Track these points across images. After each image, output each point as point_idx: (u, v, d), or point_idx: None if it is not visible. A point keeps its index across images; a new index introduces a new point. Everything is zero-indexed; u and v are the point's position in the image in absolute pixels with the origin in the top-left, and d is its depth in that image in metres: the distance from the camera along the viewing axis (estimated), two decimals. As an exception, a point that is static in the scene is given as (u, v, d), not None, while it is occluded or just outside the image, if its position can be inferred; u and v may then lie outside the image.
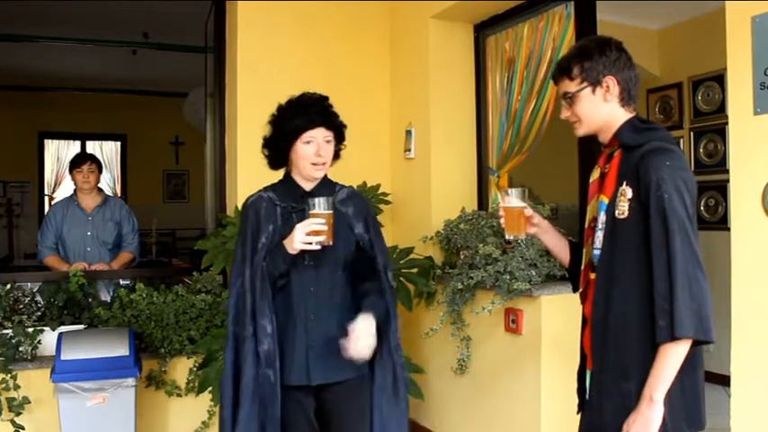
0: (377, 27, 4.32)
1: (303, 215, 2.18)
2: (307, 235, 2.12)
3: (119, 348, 3.14)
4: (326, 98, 2.31)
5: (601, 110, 1.80)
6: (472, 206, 3.96)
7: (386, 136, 4.34)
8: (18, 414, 3.21)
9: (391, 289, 2.35)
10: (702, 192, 5.06)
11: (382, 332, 2.27)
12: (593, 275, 1.83)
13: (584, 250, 1.89)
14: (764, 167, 2.24)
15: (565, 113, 1.86)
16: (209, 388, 3.25)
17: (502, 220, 1.98)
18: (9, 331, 3.29)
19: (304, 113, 2.23)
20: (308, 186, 2.32)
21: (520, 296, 3.12)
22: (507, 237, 2.02)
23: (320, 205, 2.13)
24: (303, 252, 2.18)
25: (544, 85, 3.60)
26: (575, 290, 2.00)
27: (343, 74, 4.16)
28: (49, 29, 5.88)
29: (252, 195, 2.36)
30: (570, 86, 1.81)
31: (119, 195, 8.99)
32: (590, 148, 2.93)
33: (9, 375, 3.21)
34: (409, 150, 4.12)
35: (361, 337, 2.16)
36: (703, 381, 1.75)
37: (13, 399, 3.21)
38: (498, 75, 3.95)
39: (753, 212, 2.26)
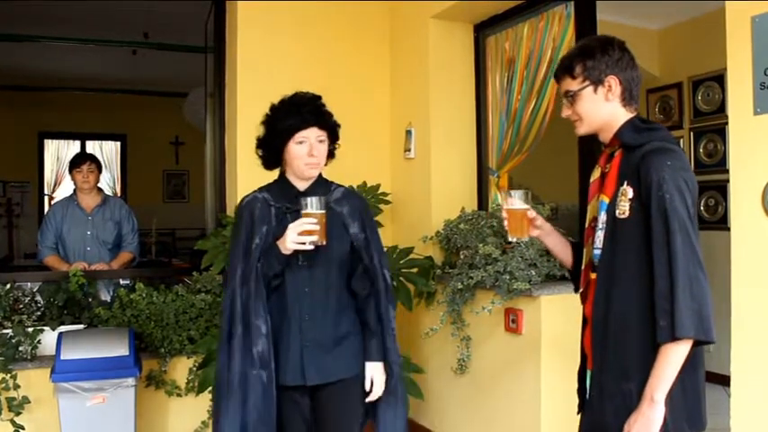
0: (377, 27, 4.32)
1: (297, 215, 2.16)
2: (299, 235, 2.11)
3: (119, 348, 3.14)
4: (319, 97, 2.28)
5: (602, 109, 1.80)
6: (472, 206, 3.96)
7: (386, 136, 4.34)
8: (18, 414, 3.21)
9: (388, 288, 2.34)
10: (702, 192, 5.06)
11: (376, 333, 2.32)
12: (593, 275, 1.83)
13: (585, 250, 1.89)
14: (764, 167, 2.24)
15: (566, 112, 1.86)
16: (209, 388, 3.25)
17: (505, 222, 1.98)
18: (9, 331, 3.29)
19: (297, 113, 2.21)
20: (302, 186, 2.30)
21: (520, 296, 3.12)
22: (510, 238, 2.01)
23: (312, 205, 2.11)
24: (297, 252, 2.17)
25: (544, 85, 3.60)
26: (576, 290, 2.00)
27: (343, 74, 4.16)
28: (50, 29, 5.87)
29: (247, 196, 2.34)
30: (572, 85, 1.81)
31: (119, 195, 8.99)
32: (590, 147, 2.93)
33: (9, 375, 3.20)
34: (409, 150, 4.12)
35: (377, 385, 2.31)
36: (704, 381, 1.75)
37: (13, 398, 3.21)
38: (498, 75, 3.95)
39: (753, 212, 2.27)
